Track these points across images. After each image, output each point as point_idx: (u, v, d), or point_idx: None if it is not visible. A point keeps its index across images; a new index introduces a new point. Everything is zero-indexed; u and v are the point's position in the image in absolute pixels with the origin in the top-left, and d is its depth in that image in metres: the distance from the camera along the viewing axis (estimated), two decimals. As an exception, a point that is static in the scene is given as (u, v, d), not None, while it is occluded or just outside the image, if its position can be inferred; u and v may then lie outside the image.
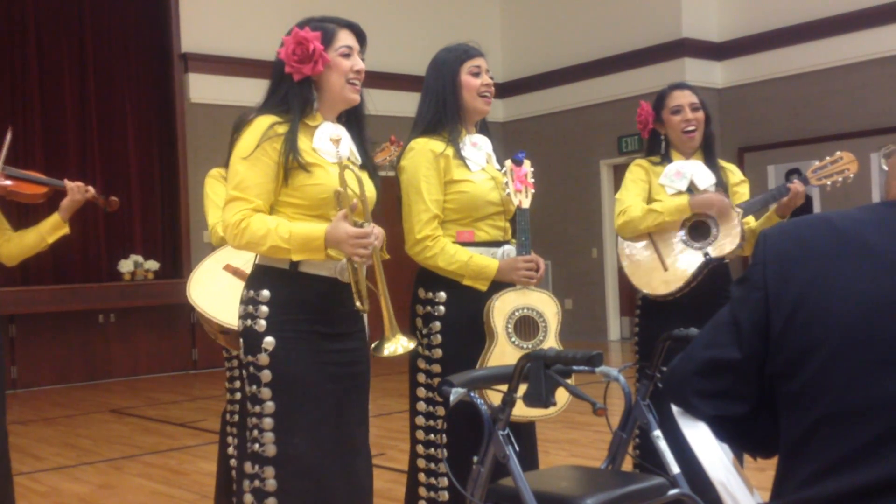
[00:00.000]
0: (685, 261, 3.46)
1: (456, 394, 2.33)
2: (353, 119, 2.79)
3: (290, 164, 2.55)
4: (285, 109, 2.61)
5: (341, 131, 2.71)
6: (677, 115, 3.56)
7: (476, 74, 3.07)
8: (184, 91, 10.28)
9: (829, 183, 3.56)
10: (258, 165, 2.55)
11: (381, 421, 7.15)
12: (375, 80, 13.02)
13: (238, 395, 3.75)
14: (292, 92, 2.62)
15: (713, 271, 3.45)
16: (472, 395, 2.37)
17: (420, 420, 3.06)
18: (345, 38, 2.66)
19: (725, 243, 3.42)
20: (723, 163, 3.70)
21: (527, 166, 3.09)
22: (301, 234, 2.50)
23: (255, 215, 2.55)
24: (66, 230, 3.81)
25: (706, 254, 3.43)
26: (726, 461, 1.55)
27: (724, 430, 1.50)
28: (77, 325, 9.62)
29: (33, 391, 9.20)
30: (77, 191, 3.77)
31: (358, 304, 2.62)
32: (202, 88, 10.16)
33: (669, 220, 3.45)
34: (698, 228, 3.49)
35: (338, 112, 2.73)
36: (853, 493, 1.30)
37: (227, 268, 3.52)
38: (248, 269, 3.49)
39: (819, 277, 1.36)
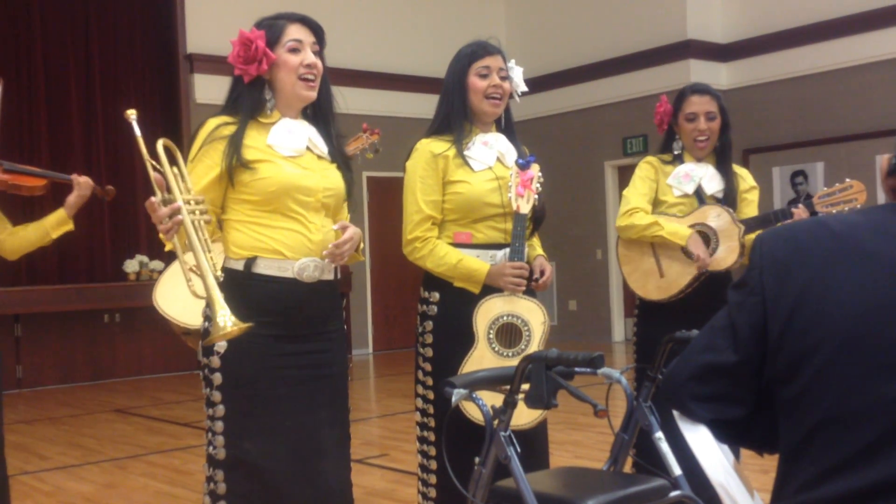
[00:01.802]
0: (681, 270, 3.46)
1: (458, 395, 2.33)
2: (318, 114, 2.73)
3: (234, 164, 2.52)
4: (236, 111, 2.60)
5: (298, 125, 2.65)
6: (691, 122, 3.54)
7: (484, 76, 3.03)
8: (189, 91, 10.31)
9: (834, 211, 3.52)
10: (199, 167, 2.54)
11: (384, 421, 7.16)
12: (380, 81, 12.97)
13: None
14: (243, 94, 2.60)
15: (713, 275, 3.45)
16: (474, 395, 2.37)
17: (417, 417, 3.08)
18: (294, 33, 2.60)
19: (724, 258, 3.42)
20: (735, 168, 3.67)
21: (535, 170, 3.05)
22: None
23: None
24: (70, 226, 3.80)
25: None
26: (726, 463, 1.55)
27: (723, 432, 1.51)
28: (82, 325, 9.65)
29: (38, 391, 9.23)
30: (85, 186, 3.78)
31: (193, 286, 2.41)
32: (207, 89, 10.17)
33: (668, 240, 3.45)
34: (700, 238, 3.48)
35: (297, 109, 2.67)
36: (852, 496, 1.30)
37: (193, 269, 3.52)
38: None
39: (816, 281, 1.36)
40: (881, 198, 1.52)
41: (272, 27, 2.60)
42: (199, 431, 6.71)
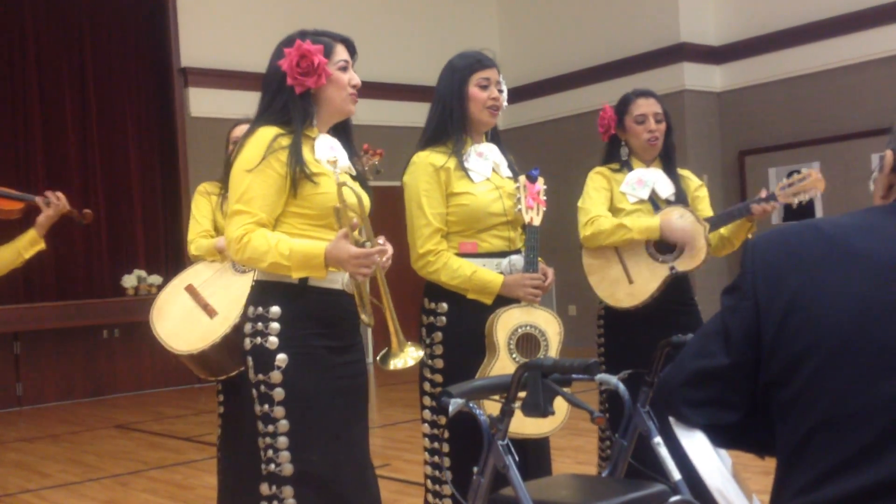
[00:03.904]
0: (651, 274, 3.45)
1: (455, 404, 2.33)
2: (341, 131, 2.78)
3: (298, 175, 2.54)
4: (286, 121, 2.60)
5: (336, 142, 2.71)
6: (641, 124, 3.55)
7: (484, 87, 3.06)
8: (184, 105, 10.30)
9: (795, 201, 3.53)
10: (263, 178, 2.53)
11: (386, 431, 7.14)
12: (373, 90, 13.02)
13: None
14: (293, 104, 2.61)
15: (675, 280, 3.46)
16: (471, 405, 2.37)
17: (426, 428, 3.08)
18: (342, 53, 2.68)
19: (691, 258, 3.42)
20: (679, 171, 3.69)
21: (540, 183, 3.10)
22: (301, 252, 2.48)
23: (258, 230, 2.52)
24: (42, 245, 3.81)
25: (672, 268, 3.43)
26: (723, 468, 1.55)
27: (718, 437, 1.50)
28: (81, 341, 9.63)
29: (38, 408, 9.21)
30: (52, 206, 3.77)
31: (364, 317, 2.62)
32: (202, 102, 10.18)
33: (638, 239, 3.45)
34: (664, 241, 3.48)
35: (331, 124, 2.74)
36: (851, 498, 1.29)
37: (188, 288, 3.52)
38: (205, 291, 3.47)
39: (809, 284, 1.36)
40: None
41: (325, 44, 2.64)
42: (201, 446, 6.71)
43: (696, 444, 1.51)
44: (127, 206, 10.28)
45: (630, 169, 3.58)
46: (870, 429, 1.29)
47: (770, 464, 1.49)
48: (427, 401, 3.08)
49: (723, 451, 1.61)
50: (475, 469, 2.45)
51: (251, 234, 2.51)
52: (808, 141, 9.93)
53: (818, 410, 1.33)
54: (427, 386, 3.08)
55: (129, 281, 9.87)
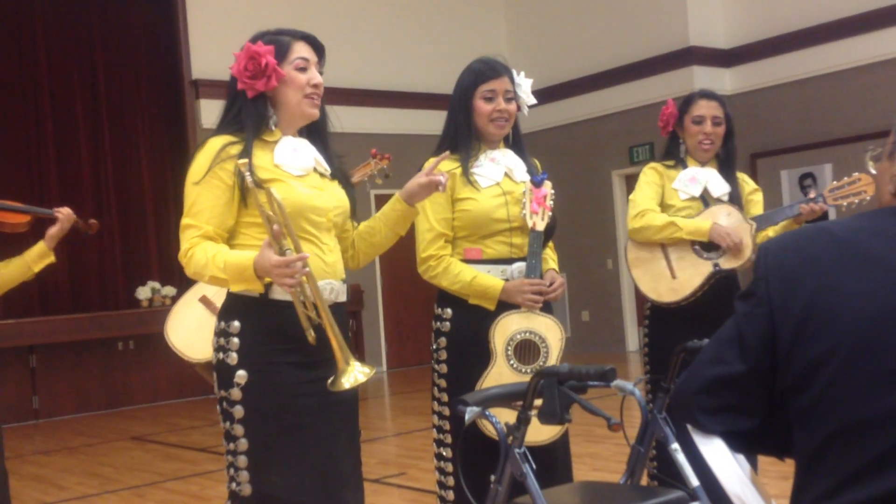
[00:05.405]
0: (694, 270, 3.45)
1: (471, 413, 2.32)
2: (314, 133, 2.65)
3: (244, 183, 2.41)
4: (239, 128, 2.50)
5: (302, 143, 2.59)
6: (698, 125, 3.56)
7: (489, 99, 3.04)
8: (195, 117, 10.35)
9: (844, 204, 3.53)
10: (210, 189, 2.43)
11: (401, 440, 7.14)
12: (385, 99, 12.98)
13: None
14: (246, 109, 2.50)
15: (722, 279, 3.45)
16: (487, 413, 2.36)
17: (434, 434, 3.08)
18: (300, 51, 2.54)
19: (736, 256, 3.42)
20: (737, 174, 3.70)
21: (547, 188, 3.07)
22: (234, 264, 2.35)
23: (202, 244, 2.42)
24: (52, 258, 3.78)
25: (716, 265, 3.43)
26: (742, 474, 1.54)
27: (737, 443, 1.50)
28: (97, 354, 9.66)
29: (55, 421, 9.24)
30: (67, 219, 3.76)
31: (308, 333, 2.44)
32: (213, 114, 10.17)
33: (686, 238, 3.46)
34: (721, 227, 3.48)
35: (297, 127, 2.61)
36: (870, 504, 1.29)
37: (202, 299, 3.50)
38: (218, 300, 3.42)
39: (823, 289, 1.36)
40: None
41: (279, 43, 2.52)
42: (217, 456, 6.71)
43: (714, 449, 1.51)
44: (140, 218, 10.33)
45: (684, 167, 3.61)
46: (888, 434, 1.29)
47: (788, 468, 1.48)
48: (435, 406, 3.08)
49: (741, 457, 1.61)
50: (492, 477, 2.45)
51: (195, 247, 2.41)
52: (819, 143, 9.90)
53: (836, 416, 1.33)
54: (435, 391, 3.08)
55: (143, 293, 9.90)
